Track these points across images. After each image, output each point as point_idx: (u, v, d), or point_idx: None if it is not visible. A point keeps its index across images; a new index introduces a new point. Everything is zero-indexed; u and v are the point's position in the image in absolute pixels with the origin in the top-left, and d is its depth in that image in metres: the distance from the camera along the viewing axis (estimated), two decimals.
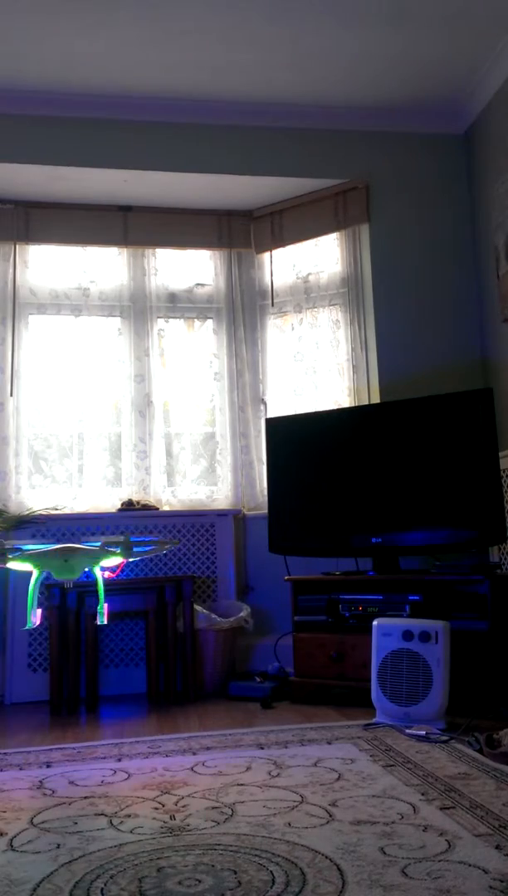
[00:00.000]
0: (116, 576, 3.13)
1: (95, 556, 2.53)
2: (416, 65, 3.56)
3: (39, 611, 2.53)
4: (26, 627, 2.54)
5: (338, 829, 1.68)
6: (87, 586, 3.32)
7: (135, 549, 2.54)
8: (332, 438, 3.45)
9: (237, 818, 1.78)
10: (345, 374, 3.95)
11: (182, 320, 4.16)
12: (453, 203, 3.97)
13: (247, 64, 3.51)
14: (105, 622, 2.54)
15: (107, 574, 2.67)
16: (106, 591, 3.28)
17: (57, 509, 3.68)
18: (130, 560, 2.83)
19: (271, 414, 3.96)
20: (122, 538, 2.52)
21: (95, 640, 3.44)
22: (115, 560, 2.55)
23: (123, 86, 3.65)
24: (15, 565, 2.54)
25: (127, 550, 2.52)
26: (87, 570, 2.54)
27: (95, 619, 2.61)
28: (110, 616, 3.56)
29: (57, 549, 2.51)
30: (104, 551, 2.52)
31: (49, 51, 3.36)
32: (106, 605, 2.54)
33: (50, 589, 3.32)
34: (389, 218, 3.92)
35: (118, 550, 2.50)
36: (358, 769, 2.13)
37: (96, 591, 2.59)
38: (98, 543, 2.53)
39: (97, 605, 2.51)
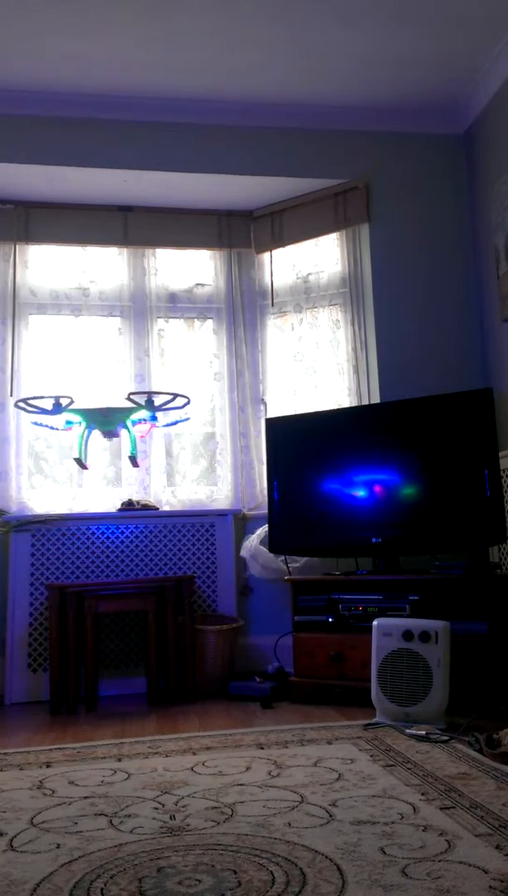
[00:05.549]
0: (143, 438, 3.83)
1: (127, 413, 3.65)
2: (416, 65, 3.56)
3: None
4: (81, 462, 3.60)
5: (338, 829, 1.68)
6: (86, 586, 3.33)
7: (156, 406, 3.69)
8: (332, 438, 3.45)
9: (237, 818, 1.78)
10: (345, 374, 3.95)
11: (182, 320, 4.16)
12: (453, 203, 3.97)
13: (247, 64, 3.51)
14: (137, 461, 3.67)
15: (140, 435, 3.72)
16: (106, 591, 3.33)
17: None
18: (157, 424, 3.75)
19: (271, 414, 3.96)
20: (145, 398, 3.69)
21: (95, 639, 3.44)
22: (143, 414, 3.64)
23: (122, 86, 3.65)
24: (69, 416, 3.60)
25: (149, 406, 3.67)
26: (121, 423, 3.61)
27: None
28: (110, 616, 3.58)
29: (98, 409, 3.65)
30: (134, 407, 3.64)
31: (49, 51, 3.36)
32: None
33: (50, 589, 3.32)
34: (389, 218, 3.92)
35: (143, 404, 3.67)
36: (358, 769, 2.13)
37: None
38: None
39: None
